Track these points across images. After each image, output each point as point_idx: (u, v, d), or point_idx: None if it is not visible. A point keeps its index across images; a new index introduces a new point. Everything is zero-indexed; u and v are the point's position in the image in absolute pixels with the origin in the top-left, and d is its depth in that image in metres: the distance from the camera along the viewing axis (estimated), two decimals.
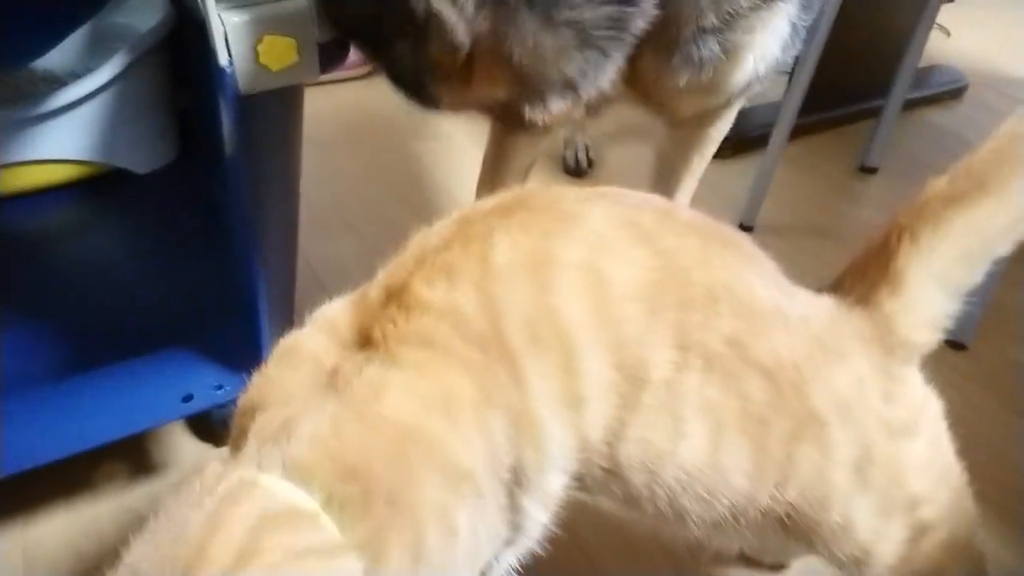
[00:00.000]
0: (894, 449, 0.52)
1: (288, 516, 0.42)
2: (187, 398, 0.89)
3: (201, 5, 0.63)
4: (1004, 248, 0.53)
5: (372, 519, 0.43)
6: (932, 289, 0.53)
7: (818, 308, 0.54)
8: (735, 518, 0.52)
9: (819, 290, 0.56)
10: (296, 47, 0.65)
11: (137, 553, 0.41)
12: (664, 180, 0.98)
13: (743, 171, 1.44)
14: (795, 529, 0.53)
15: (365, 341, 0.50)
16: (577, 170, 1.52)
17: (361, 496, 0.43)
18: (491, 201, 0.55)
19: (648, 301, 0.50)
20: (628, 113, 0.84)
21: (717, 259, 0.52)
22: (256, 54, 0.63)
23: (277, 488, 0.43)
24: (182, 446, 0.97)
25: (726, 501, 0.51)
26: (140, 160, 1.15)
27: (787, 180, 1.45)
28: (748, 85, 0.77)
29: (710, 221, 0.56)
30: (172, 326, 0.94)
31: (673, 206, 0.56)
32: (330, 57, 0.69)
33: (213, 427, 0.96)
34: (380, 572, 0.43)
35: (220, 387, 0.92)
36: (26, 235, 1.07)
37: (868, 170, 1.52)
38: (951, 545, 0.56)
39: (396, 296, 0.51)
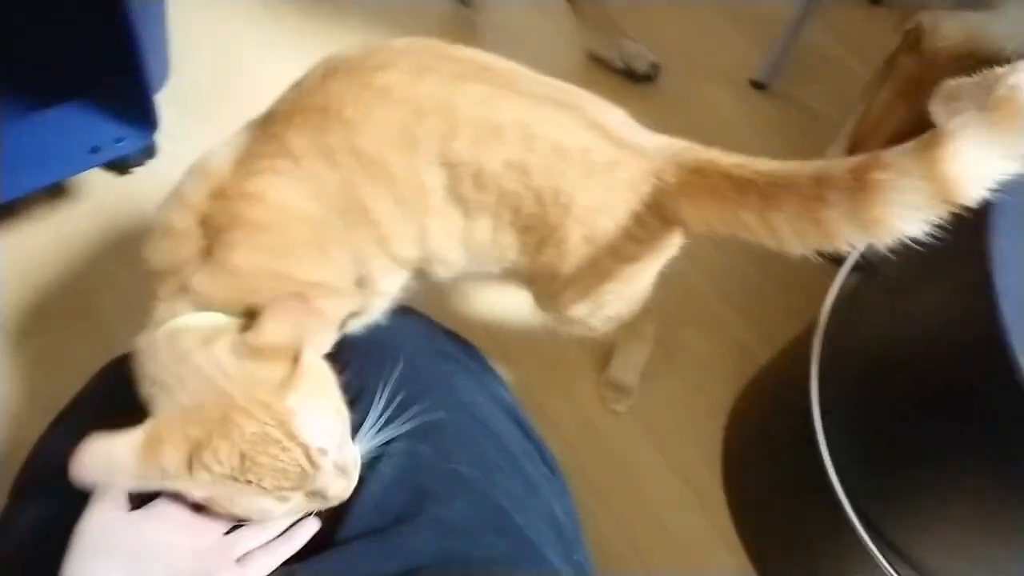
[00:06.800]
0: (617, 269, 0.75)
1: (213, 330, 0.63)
2: (94, 150, 1.10)
3: None
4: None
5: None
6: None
7: (632, 156, 0.68)
8: (514, 272, 0.79)
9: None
10: None
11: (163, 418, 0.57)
12: None
13: None
14: (539, 277, 0.80)
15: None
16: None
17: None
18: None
19: (404, 138, 0.66)
20: None
21: (517, 104, 0.68)
22: None
23: (198, 318, 0.64)
24: (89, 176, 1.19)
25: (508, 264, 0.78)
26: None
27: None
28: None
29: (551, 82, 0.70)
30: (73, 89, 1.10)
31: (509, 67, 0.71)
32: None
33: (113, 162, 1.18)
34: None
35: (120, 140, 1.12)
36: None
37: None
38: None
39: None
